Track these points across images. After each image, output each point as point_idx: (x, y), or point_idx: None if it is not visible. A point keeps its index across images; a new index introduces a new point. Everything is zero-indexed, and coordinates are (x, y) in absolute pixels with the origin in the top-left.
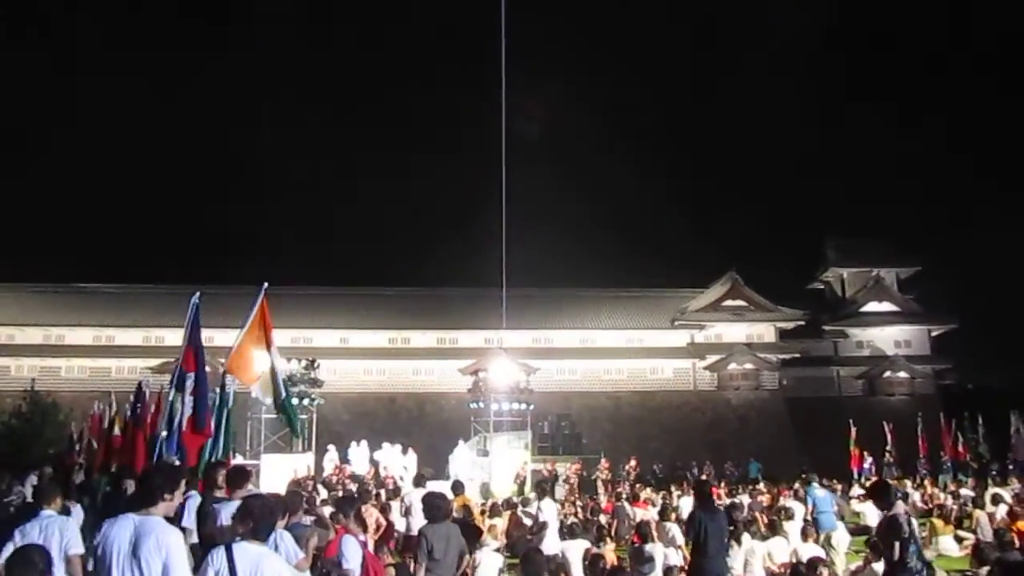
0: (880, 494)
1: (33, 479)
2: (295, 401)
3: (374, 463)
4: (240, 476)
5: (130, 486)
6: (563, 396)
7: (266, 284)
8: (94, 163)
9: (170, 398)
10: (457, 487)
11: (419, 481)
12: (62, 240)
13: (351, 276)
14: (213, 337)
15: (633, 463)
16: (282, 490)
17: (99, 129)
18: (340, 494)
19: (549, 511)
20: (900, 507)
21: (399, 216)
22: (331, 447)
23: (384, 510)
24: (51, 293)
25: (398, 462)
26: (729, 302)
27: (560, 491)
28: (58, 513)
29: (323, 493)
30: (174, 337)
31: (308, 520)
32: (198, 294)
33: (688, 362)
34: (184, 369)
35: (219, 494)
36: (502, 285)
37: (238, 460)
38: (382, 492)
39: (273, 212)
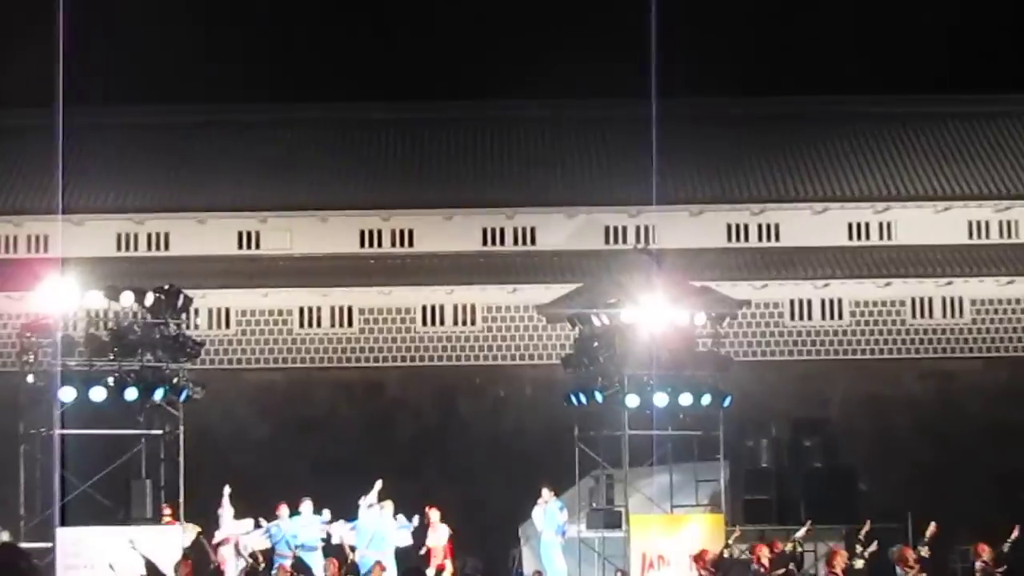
0: None
1: None
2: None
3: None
4: None
5: None
6: (806, 371)
7: None
8: None
9: None
10: None
11: None
12: None
13: (260, 77)
14: None
15: (986, 553)
16: None
17: None
18: None
19: None
20: None
21: None
22: (224, 508)
23: None
24: None
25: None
26: None
27: None
28: None
29: None
30: None
31: None
32: None
33: None
34: None
35: None
36: (650, 92)
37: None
38: None
39: None
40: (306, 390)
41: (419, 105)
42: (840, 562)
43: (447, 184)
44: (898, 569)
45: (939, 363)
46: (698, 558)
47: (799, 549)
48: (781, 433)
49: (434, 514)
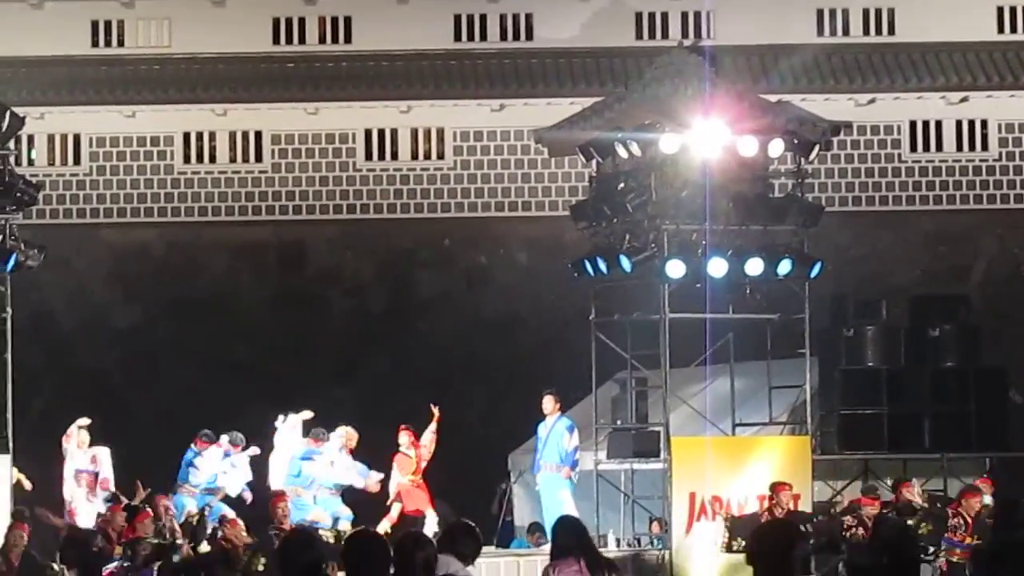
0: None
1: None
2: None
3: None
4: None
5: None
6: (934, 226)
7: None
8: None
9: None
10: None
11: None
12: None
13: None
14: None
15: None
16: None
17: None
18: None
19: None
20: None
21: None
22: (76, 436)
23: None
24: None
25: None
26: None
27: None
28: None
29: None
30: None
31: None
32: None
33: None
34: None
35: None
36: None
37: None
38: None
39: None
40: (193, 256)
41: None
42: (974, 505)
43: None
44: None
45: None
46: (774, 493)
47: (921, 501)
48: (896, 317)
49: (403, 438)
